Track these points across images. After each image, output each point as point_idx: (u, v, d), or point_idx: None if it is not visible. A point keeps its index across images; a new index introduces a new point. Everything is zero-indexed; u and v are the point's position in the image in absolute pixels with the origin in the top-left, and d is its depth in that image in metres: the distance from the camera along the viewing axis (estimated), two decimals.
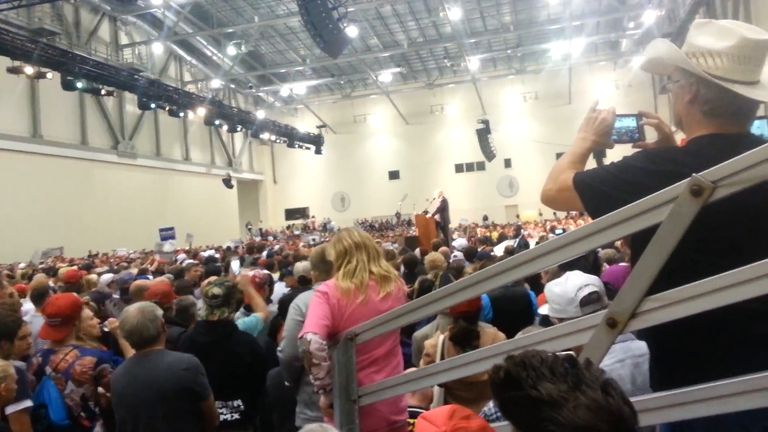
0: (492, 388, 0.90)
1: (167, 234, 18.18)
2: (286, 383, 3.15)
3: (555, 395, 0.81)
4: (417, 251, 9.01)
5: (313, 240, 22.72)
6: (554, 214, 32.11)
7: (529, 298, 4.50)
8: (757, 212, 1.36)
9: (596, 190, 1.55)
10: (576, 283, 2.11)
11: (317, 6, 11.48)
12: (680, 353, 1.46)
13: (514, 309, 4.31)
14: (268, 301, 4.99)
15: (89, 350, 3.35)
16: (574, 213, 30.47)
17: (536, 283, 4.70)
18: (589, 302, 2.04)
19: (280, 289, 5.87)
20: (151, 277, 7.75)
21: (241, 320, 4.17)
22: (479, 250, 8.75)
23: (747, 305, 1.18)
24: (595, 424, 0.78)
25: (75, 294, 4.01)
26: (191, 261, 9.98)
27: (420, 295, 2.87)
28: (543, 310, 2.29)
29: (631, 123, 1.80)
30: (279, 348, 3.06)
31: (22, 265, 15.76)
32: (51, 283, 7.90)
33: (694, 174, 1.19)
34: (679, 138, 1.79)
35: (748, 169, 1.16)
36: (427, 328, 4.03)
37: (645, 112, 1.83)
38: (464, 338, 3.08)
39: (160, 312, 3.05)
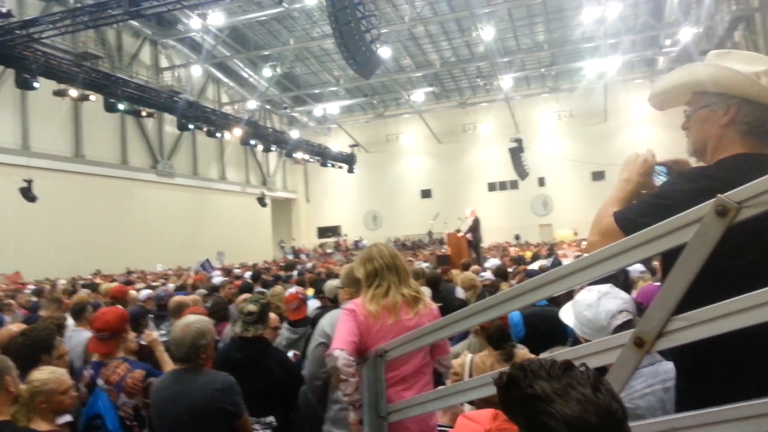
0: (497, 392, 0.99)
1: (206, 264, 18.63)
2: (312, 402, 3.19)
3: (549, 391, 0.90)
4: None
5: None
6: None
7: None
8: None
9: (639, 224, 1.48)
10: (609, 308, 2.00)
11: (351, 29, 11.68)
12: (708, 374, 1.45)
13: (547, 328, 4.26)
14: (306, 318, 5.02)
15: (138, 363, 3.44)
16: None
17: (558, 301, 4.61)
18: (622, 330, 1.98)
19: (313, 305, 5.93)
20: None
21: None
22: (509, 270, 8.67)
23: None
24: (585, 416, 0.87)
25: (121, 307, 4.11)
26: (225, 279, 10.13)
27: None
28: (568, 321, 2.19)
29: (662, 169, 1.81)
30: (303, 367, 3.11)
31: (62, 282, 16.21)
32: (91, 299, 8.11)
33: (719, 195, 1.20)
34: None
35: None
36: (458, 347, 4.02)
37: (680, 160, 1.81)
38: (499, 337, 3.09)
39: (210, 328, 3.05)
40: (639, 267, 4.80)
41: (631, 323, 1.97)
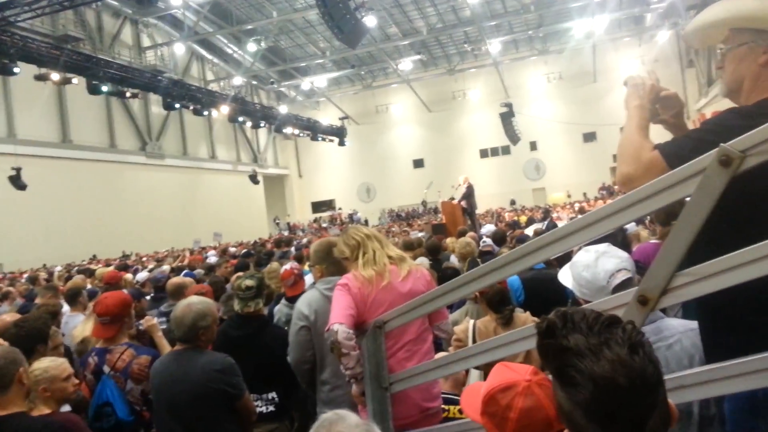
0: (537, 337, 0.97)
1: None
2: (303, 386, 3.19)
3: (582, 346, 0.88)
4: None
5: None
6: (584, 195, 31.70)
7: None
8: None
9: (690, 160, 1.38)
10: (608, 268, 1.93)
11: None
12: (729, 327, 1.43)
13: (547, 291, 4.26)
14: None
15: (144, 349, 3.41)
16: (604, 193, 30.06)
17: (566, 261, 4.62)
18: (622, 289, 1.86)
19: (309, 280, 5.91)
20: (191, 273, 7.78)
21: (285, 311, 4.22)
22: (508, 234, 8.66)
23: None
24: (614, 377, 0.85)
25: (124, 291, 4.08)
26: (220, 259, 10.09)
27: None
28: (567, 282, 2.11)
29: None
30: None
31: (58, 269, 16.16)
32: (89, 284, 8.08)
33: (721, 144, 1.15)
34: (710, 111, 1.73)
35: None
36: (456, 314, 4.02)
37: (658, 86, 1.76)
38: (500, 300, 3.10)
39: (212, 310, 3.03)
40: (631, 224, 4.77)
41: (631, 281, 1.92)
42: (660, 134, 1.64)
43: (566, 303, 4.03)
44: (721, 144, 1.15)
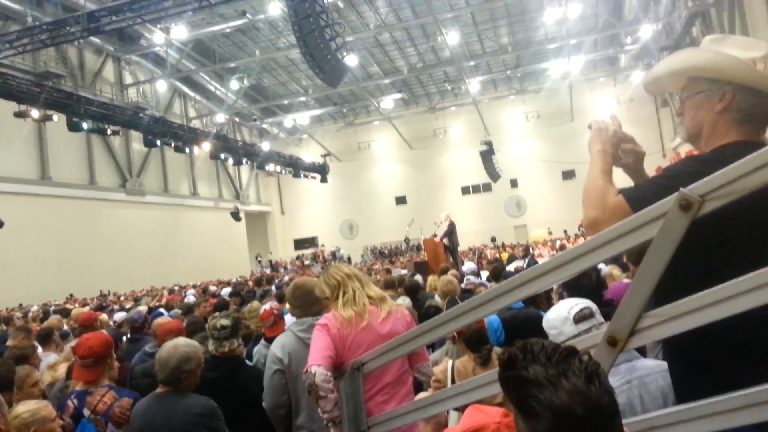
0: (499, 368, 1.01)
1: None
2: None
3: (541, 377, 0.91)
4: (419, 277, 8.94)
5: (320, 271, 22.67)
6: (564, 232, 32.00)
7: (541, 319, 4.44)
8: (754, 219, 1.36)
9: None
10: (567, 303, 2.13)
11: (315, 37, 11.65)
12: (698, 367, 1.45)
13: (526, 331, 4.25)
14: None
15: (125, 391, 3.34)
16: (583, 230, 30.38)
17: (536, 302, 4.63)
18: (583, 318, 2.05)
19: (290, 320, 5.85)
20: (165, 313, 7.70)
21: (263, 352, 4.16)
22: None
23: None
24: (572, 407, 0.88)
25: (105, 332, 4.00)
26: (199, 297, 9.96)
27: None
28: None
29: None
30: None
31: (34, 308, 15.82)
32: (65, 324, 7.92)
33: (681, 189, 1.19)
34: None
35: (736, 181, 1.16)
36: (437, 354, 4.00)
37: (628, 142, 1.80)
38: (477, 340, 3.09)
39: (198, 353, 2.99)
40: (601, 265, 4.85)
41: (590, 310, 2.08)
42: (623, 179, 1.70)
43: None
44: (681, 189, 1.19)
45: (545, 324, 2.21)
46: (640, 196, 1.52)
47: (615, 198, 1.56)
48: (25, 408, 2.60)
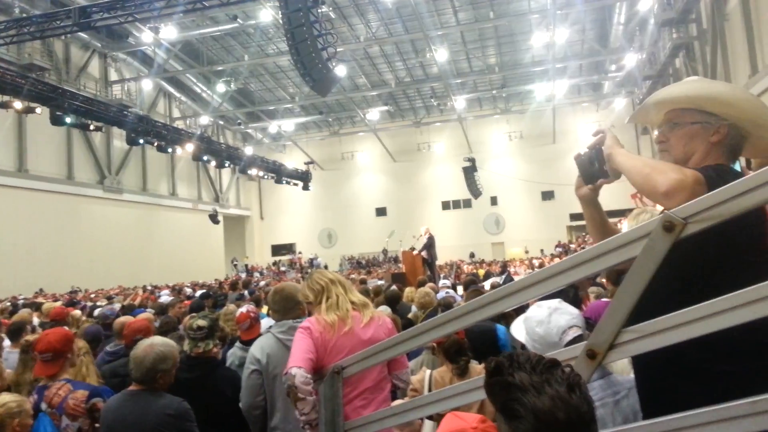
0: (485, 375, 1.08)
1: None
2: None
3: (526, 383, 0.98)
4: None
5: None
6: (541, 251, 32.32)
7: (496, 333, 4.51)
8: (733, 242, 1.42)
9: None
10: (560, 324, 2.02)
11: (307, 46, 11.71)
12: (666, 383, 1.51)
13: (480, 344, 4.28)
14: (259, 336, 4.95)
15: (81, 384, 3.30)
16: (560, 250, 30.71)
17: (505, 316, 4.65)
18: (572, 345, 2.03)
19: (266, 324, 5.84)
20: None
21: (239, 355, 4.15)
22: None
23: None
24: (553, 412, 0.94)
25: (66, 328, 3.96)
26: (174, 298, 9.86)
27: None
28: (519, 336, 2.17)
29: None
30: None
31: (4, 302, 15.48)
32: (35, 318, 7.76)
33: (665, 211, 1.25)
34: None
35: (718, 206, 1.22)
36: (412, 364, 4.02)
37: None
38: (456, 351, 3.12)
39: (174, 353, 2.98)
40: None
41: (581, 338, 2.00)
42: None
43: (499, 354, 4.08)
44: (666, 211, 1.25)
45: (526, 326, 2.14)
46: (712, 174, 1.50)
47: (684, 171, 1.49)
48: (11, 398, 2.60)
